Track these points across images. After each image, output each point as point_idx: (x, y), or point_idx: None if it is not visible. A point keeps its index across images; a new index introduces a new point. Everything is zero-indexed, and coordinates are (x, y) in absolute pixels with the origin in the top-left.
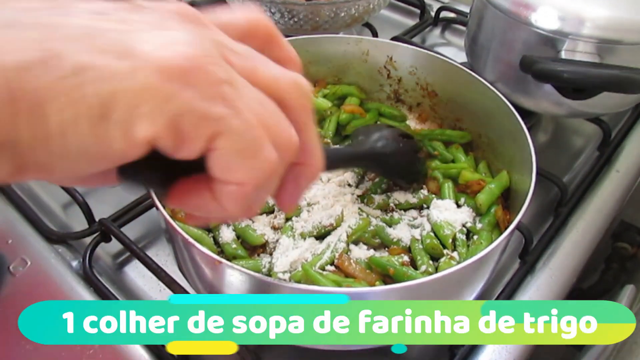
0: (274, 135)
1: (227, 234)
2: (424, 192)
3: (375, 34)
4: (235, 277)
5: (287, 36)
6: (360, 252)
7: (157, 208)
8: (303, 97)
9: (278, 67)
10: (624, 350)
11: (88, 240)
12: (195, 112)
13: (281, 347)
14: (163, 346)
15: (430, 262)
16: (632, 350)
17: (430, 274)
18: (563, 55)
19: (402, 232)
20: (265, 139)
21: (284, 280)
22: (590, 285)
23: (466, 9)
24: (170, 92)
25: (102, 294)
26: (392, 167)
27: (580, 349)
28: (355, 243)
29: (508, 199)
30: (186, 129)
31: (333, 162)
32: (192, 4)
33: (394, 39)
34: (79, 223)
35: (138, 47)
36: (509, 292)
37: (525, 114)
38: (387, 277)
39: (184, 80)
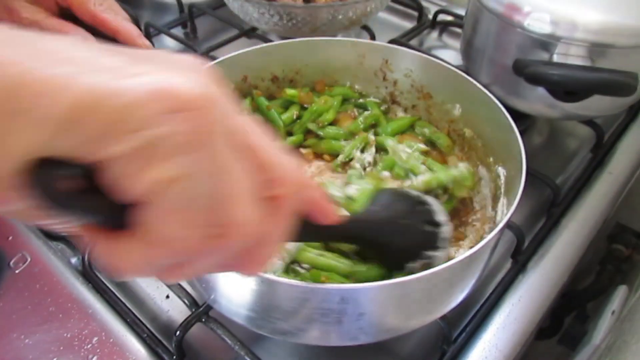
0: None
1: None
2: None
3: (373, 36)
4: (229, 273)
5: (284, 38)
6: None
7: None
8: (295, 191)
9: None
10: (615, 348)
11: None
12: (172, 143)
13: (281, 345)
14: (160, 341)
15: None
16: (621, 348)
17: None
18: (555, 58)
19: None
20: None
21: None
22: (585, 286)
23: (463, 13)
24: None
25: (100, 290)
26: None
27: (573, 348)
28: None
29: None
30: (157, 154)
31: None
32: (192, 6)
33: (391, 41)
34: None
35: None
36: (501, 291)
37: (520, 116)
38: None
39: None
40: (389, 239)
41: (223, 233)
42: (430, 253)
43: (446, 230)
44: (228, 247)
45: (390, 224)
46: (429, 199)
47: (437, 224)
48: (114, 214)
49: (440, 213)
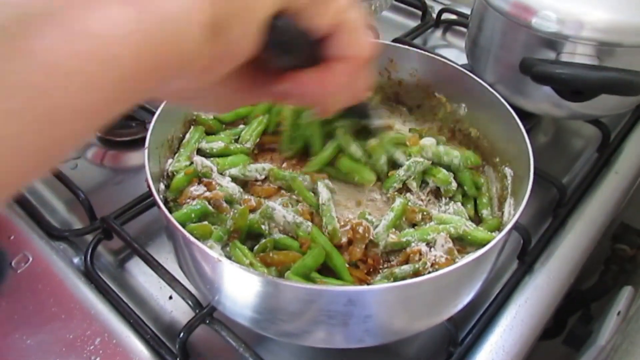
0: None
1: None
2: None
3: (377, 35)
4: (235, 274)
5: None
6: None
7: (159, 206)
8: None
9: None
10: (621, 350)
11: (90, 237)
12: None
13: (286, 347)
14: (163, 343)
15: None
16: (629, 351)
17: None
18: (562, 57)
19: None
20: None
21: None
22: (589, 286)
23: (467, 11)
24: None
25: (103, 290)
26: None
27: (577, 349)
28: None
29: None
30: None
31: None
32: None
33: (395, 40)
34: (80, 220)
35: None
36: (507, 292)
37: (525, 115)
38: None
39: None
40: None
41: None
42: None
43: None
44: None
45: None
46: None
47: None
48: (314, 51)
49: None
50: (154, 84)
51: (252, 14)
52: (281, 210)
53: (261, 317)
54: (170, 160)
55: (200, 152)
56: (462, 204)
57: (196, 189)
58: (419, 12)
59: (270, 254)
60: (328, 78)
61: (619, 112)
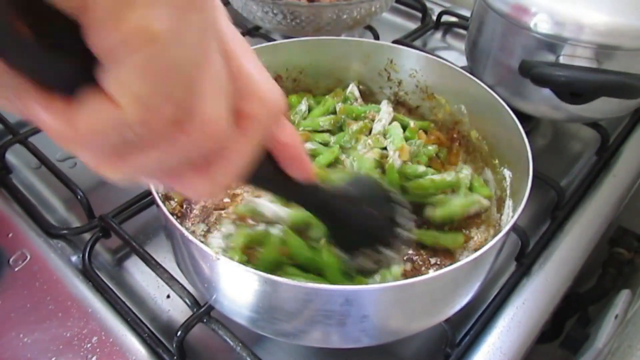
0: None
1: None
2: None
3: (376, 36)
4: (233, 273)
5: (288, 37)
6: None
7: (157, 205)
8: (267, 114)
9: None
10: (619, 353)
11: (88, 235)
12: None
13: (283, 346)
14: (161, 342)
15: None
16: (627, 353)
17: None
18: (562, 60)
19: None
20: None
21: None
22: (587, 289)
23: (467, 13)
24: None
25: (100, 289)
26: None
27: (575, 352)
28: None
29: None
30: None
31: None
32: None
33: (395, 42)
34: (79, 218)
35: None
36: (505, 294)
37: (524, 118)
38: None
39: None
40: (348, 219)
41: (186, 123)
42: (383, 249)
43: (405, 234)
44: (186, 143)
45: (357, 205)
46: (401, 200)
47: (398, 225)
48: (77, 71)
49: (406, 217)
50: None
51: None
52: (267, 203)
53: (258, 316)
54: None
55: None
56: None
57: None
58: (419, 14)
59: (260, 250)
60: (82, 116)
61: (618, 115)
